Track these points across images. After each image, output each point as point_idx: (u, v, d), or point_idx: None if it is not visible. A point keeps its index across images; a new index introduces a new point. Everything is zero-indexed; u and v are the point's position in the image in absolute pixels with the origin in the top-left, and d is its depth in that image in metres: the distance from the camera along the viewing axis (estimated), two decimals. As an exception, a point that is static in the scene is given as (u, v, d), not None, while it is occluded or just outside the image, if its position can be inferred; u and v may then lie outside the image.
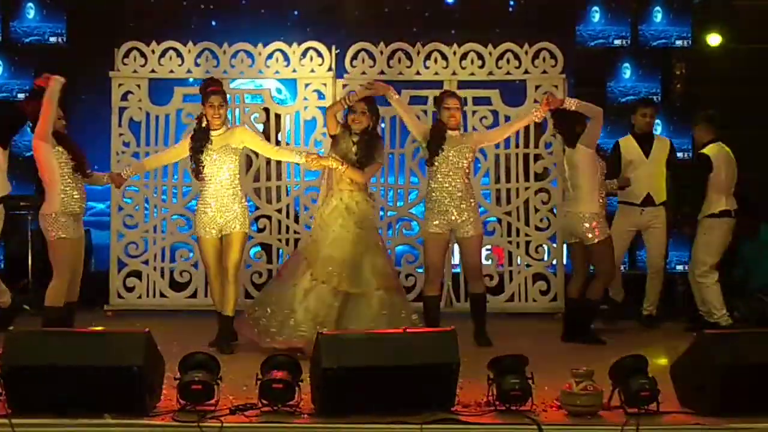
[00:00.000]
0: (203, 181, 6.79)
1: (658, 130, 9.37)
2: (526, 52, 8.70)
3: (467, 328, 6.97)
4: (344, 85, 8.66)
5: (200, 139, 6.74)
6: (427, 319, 6.94)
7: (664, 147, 8.04)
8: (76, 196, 6.60)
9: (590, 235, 7.06)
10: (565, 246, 8.12)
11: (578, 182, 7.11)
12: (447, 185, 6.99)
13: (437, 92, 8.59)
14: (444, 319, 7.02)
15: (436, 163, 7.01)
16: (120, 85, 8.67)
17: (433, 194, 7.03)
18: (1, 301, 7.58)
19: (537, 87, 8.69)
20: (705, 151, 7.71)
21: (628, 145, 7.99)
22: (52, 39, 9.57)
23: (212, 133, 6.76)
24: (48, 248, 6.61)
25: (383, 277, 6.73)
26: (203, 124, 6.78)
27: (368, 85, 7.08)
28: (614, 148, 8.06)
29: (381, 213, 8.51)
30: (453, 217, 6.98)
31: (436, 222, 7.01)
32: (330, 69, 8.67)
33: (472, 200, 7.06)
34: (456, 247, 8.22)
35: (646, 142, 7.96)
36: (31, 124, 6.73)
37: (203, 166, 6.75)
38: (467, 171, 7.06)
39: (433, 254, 7.07)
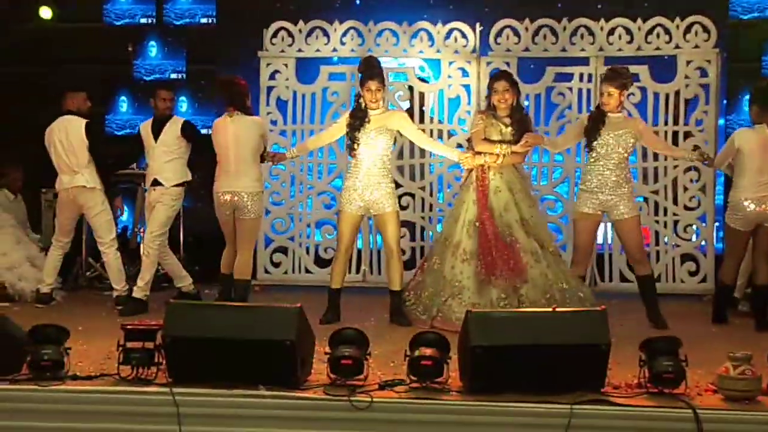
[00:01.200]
0: (355, 158, 6.87)
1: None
2: (677, 26, 8.45)
3: (613, 307, 6.85)
4: (488, 63, 8.61)
5: (359, 117, 6.82)
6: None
7: None
8: None
9: None
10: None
11: None
12: (599, 167, 6.83)
13: (583, 69, 8.50)
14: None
15: (596, 148, 6.83)
16: (268, 64, 8.85)
17: (588, 176, 6.89)
18: (183, 285, 7.78)
19: (688, 62, 8.43)
20: None
21: None
22: (203, 20, 9.83)
23: (370, 112, 6.84)
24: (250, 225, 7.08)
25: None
26: (362, 105, 6.85)
27: (525, 144, 6.82)
28: None
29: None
30: (605, 198, 6.83)
31: (589, 203, 6.89)
32: (474, 50, 8.62)
33: (627, 184, 6.89)
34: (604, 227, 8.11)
35: None
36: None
37: (358, 144, 6.83)
38: (626, 156, 6.87)
39: (582, 235, 6.97)
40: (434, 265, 6.93)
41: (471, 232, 6.79)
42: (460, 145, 8.08)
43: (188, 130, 7.46)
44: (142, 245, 7.79)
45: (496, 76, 7.01)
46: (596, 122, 6.83)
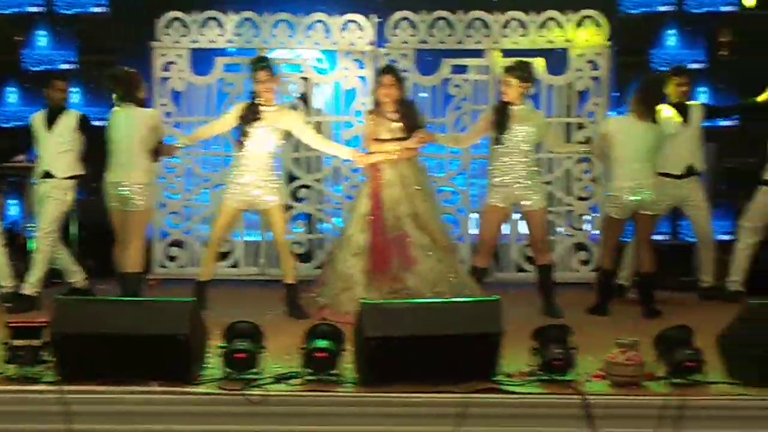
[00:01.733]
0: (242, 152, 6.86)
1: (703, 99, 9.29)
2: (569, 20, 8.60)
3: (510, 298, 6.95)
4: (385, 54, 8.63)
5: (251, 111, 6.81)
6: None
7: (698, 111, 7.75)
8: None
9: None
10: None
11: None
12: (508, 160, 6.92)
13: (479, 61, 8.59)
14: (485, 289, 7.00)
15: (504, 141, 6.91)
16: (162, 55, 8.70)
17: (498, 170, 6.97)
18: (75, 280, 7.64)
19: (580, 55, 8.60)
20: None
21: (665, 115, 7.58)
22: (95, 9, 9.60)
23: (264, 108, 6.82)
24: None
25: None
26: (256, 100, 6.83)
27: (416, 141, 6.90)
28: None
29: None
30: (516, 191, 6.92)
31: (499, 196, 6.97)
32: (371, 42, 8.63)
33: (537, 175, 7.04)
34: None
35: (681, 110, 7.65)
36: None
37: (247, 138, 6.81)
38: (532, 148, 6.99)
39: (489, 228, 7.06)
40: (333, 258, 6.98)
41: (363, 227, 6.82)
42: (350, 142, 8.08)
43: (85, 124, 7.39)
44: (33, 240, 7.57)
45: (383, 70, 7.07)
46: (502, 115, 6.92)
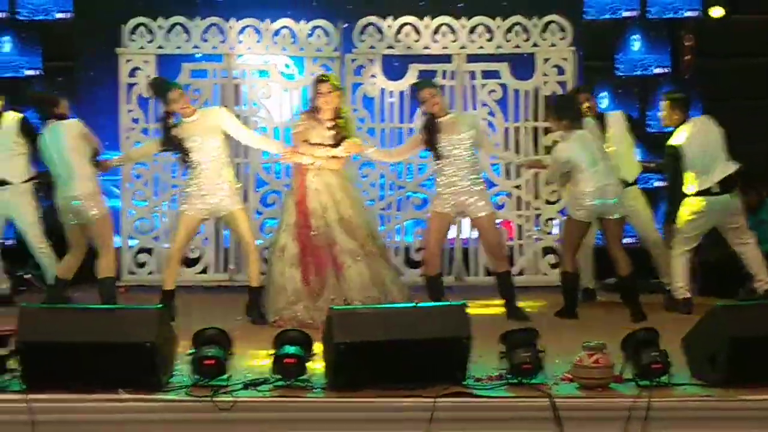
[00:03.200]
0: (190, 166, 6.93)
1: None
2: (535, 25, 8.66)
3: (479, 302, 7.01)
4: (353, 60, 8.64)
5: (172, 132, 6.89)
6: (432, 298, 6.92)
7: (619, 121, 7.69)
8: None
9: None
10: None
11: None
12: (450, 170, 6.95)
13: (446, 66, 8.63)
14: (454, 294, 7.04)
15: (441, 153, 6.95)
16: (128, 61, 8.65)
17: (440, 178, 7.01)
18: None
19: (546, 60, 8.66)
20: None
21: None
22: (59, 15, 9.52)
23: (184, 120, 6.89)
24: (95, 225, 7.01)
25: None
26: (170, 121, 6.92)
27: (346, 150, 6.94)
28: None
29: (387, 191, 8.62)
30: (460, 199, 6.96)
31: (444, 203, 6.99)
32: (336, 48, 8.65)
33: (480, 183, 7.06)
34: (466, 222, 8.28)
35: (598, 123, 7.54)
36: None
37: (188, 152, 6.89)
38: (471, 153, 7.01)
39: (433, 233, 7.09)
40: (270, 274, 6.96)
41: (293, 235, 6.84)
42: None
43: (26, 126, 7.52)
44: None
45: (320, 78, 7.08)
46: (430, 130, 6.97)
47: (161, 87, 7.02)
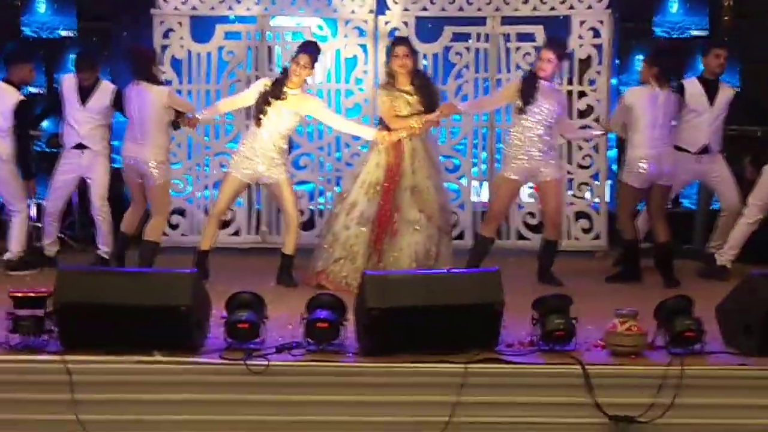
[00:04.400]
0: (258, 127, 6.89)
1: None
2: (571, -13, 8.54)
3: (510, 266, 7.00)
4: (386, 22, 8.58)
5: (277, 89, 6.83)
6: (473, 258, 6.98)
7: (728, 96, 7.51)
8: None
9: None
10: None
11: None
12: (530, 134, 6.91)
13: (480, 29, 8.54)
14: (486, 258, 7.02)
15: (527, 112, 6.91)
16: (161, 22, 8.62)
17: (517, 141, 6.95)
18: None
19: (582, 22, 8.54)
20: None
21: (694, 90, 7.42)
22: (95, -24, 9.52)
23: (288, 90, 6.83)
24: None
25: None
26: (285, 78, 6.85)
27: (440, 115, 7.00)
28: (678, 89, 7.36)
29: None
30: (532, 163, 6.91)
31: (515, 168, 6.96)
32: (371, 10, 8.58)
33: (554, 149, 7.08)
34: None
35: (712, 88, 7.44)
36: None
37: (265, 115, 6.84)
38: (552, 123, 6.98)
39: (502, 198, 7.10)
40: (332, 223, 6.97)
41: (371, 195, 6.79)
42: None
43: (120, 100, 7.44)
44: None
45: (397, 41, 7.04)
46: (531, 87, 6.90)
47: (312, 47, 7.01)
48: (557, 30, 8.52)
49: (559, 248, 7.29)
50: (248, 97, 7.06)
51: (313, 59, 6.88)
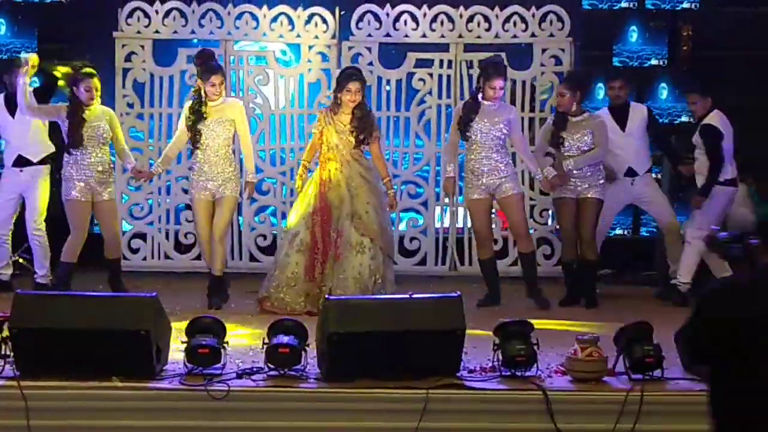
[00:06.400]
0: (199, 149, 7.03)
1: (663, 94, 9.35)
2: (533, 15, 8.63)
3: (472, 293, 7.02)
4: (350, 48, 8.61)
5: (197, 112, 6.98)
6: (486, 280, 7.24)
7: (641, 116, 7.76)
8: None
9: None
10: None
11: None
12: (483, 154, 7.07)
13: (444, 55, 8.61)
14: (448, 283, 7.04)
15: (471, 135, 7.08)
16: (123, 45, 8.61)
17: (470, 164, 7.12)
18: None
19: (544, 50, 8.64)
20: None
21: (607, 119, 7.59)
22: (55, -2, 9.46)
23: (210, 104, 6.98)
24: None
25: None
26: (202, 99, 6.97)
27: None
28: None
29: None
30: (491, 181, 7.07)
31: (476, 189, 7.10)
32: (334, 36, 8.62)
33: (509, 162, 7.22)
34: (460, 211, 8.32)
35: (622, 114, 7.70)
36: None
37: (200, 136, 6.98)
38: (502, 141, 7.14)
39: (478, 220, 7.20)
40: (278, 252, 7.12)
41: (308, 224, 6.91)
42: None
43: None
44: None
45: (353, 75, 7.07)
46: (469, 111, 7.08)
47: (200, 59, 7.08)
48: (521, 58, 8.64)
49: (535, 257, 7.50)
50: (183, 129, 7.16)
51: (223, 72, 7.15)
